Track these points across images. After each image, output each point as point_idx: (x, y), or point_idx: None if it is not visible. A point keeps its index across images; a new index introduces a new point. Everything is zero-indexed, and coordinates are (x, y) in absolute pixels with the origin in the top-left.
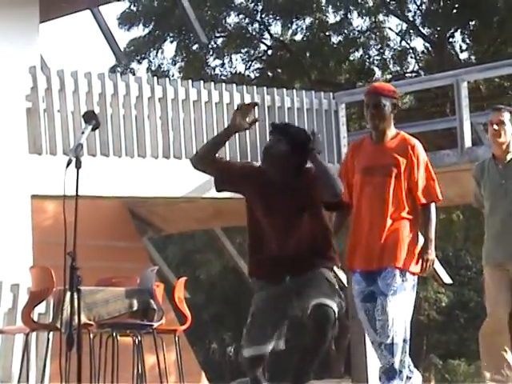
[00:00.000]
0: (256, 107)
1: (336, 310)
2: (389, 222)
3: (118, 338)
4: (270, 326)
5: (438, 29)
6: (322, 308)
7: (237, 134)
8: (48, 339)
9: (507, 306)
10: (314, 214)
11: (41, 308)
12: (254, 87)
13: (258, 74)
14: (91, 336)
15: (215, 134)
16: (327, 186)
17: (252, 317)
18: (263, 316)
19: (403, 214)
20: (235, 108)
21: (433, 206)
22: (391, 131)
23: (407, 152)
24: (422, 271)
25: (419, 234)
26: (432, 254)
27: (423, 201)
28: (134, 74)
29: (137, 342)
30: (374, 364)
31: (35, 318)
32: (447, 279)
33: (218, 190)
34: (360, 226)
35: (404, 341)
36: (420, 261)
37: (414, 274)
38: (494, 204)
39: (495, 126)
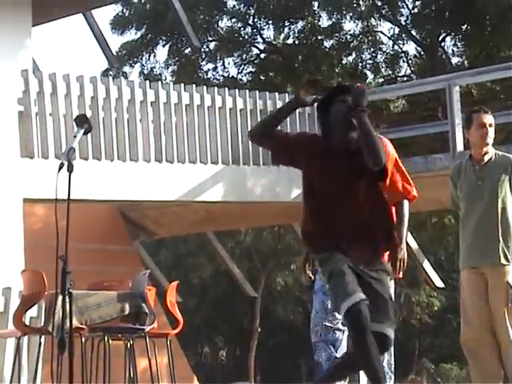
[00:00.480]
0: (318, 84)
1: (393, 335)
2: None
3: (110, 341)
4: (353, 280)
5: (430, 33)
6: (384, 339)
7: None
8: (40, 343)
9: (483, 313)
10: (371, 183)
11: (32, 312)
12: (247, 91)
13: (250, 78)
14: (83, 340)
15: (208, 137)
16: (368, 152)
17: (331, 277)
18: (343, 273)
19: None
20: (302, 84)
21: (406, 203)
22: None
23: None
24: (395, 271)
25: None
26: (403, 253)
27: (398, 198)
28: (126, 78)
29: (129, 345)
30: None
31: (27, 322)
32: (439, 283)
33: (274, 163)
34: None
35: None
36: (392, 261)
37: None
38: (470, 205)
39: (489, 128)
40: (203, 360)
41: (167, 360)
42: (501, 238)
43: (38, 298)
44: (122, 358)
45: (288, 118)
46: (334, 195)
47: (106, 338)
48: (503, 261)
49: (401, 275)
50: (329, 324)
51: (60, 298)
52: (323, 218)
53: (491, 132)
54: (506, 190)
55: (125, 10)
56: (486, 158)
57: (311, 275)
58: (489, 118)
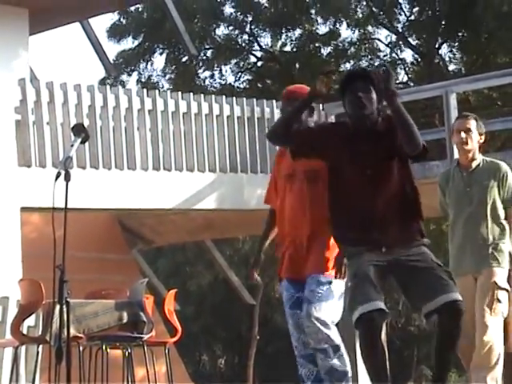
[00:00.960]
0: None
1: (459, 296)
2: (311, 229)
3: (108, 350)
4: (374, 286)
5: (427, 40)
6: (455, 305)
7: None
8: (37, 352)
9: (471, 320)
10: (402, 166)
11: (30, 321)
12: (244, 99)
13: (247, 86)
14: (81, 349)
15: (205, 145)
16: (407, 140)
17: (354, 278)
18: (366, 276)
19: (325, 218)
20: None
21: None
22: None
23: None
24: (337, 275)
25: None
26: (344, 260)
27: None
28: (123, 86)
29: (127, 354)
30: (364, 373)
31: (24, 331)
32: None
33: (295, 159)
34: (287, 235)
35: (337, 346)
36: (336, 265)
37: (340, 280)
38: (459, 212)
39: (463, 134)
40: (202, 368)
41: (165, 368)
42: (491, 245)
43: (36, 307)
44: (120, 366)
45: None
46: (364, 180)
47: (103, 347)
48: (493, 263)
49: (344, 278)
50: (306, 339)
51: (57, 307)
52: (353, 208)
53: (472, 137)
54: (494, 196)
55: (122, 19)
56: (474, 165)
57: (258, 280)
58: (466, 123)
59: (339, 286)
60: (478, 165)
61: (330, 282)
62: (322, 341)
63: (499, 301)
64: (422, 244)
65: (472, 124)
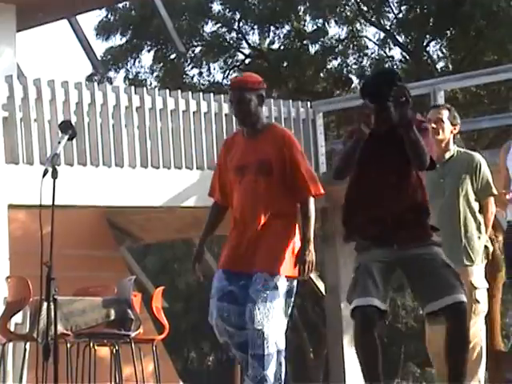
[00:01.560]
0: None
1: (464, 298)
2: (261, 223)
3: (96, 347)
4: (375, 283)
5: (415, 38)
6: (459, 307)
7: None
8: (25, 349)
9: None
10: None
11: (17, 318)
12: None
13: None
14: (68, 346)
15: (193, 143)
16: (414, 159)
17: (356, 271)
18: (369, 272)
19: (279, 213)
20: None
21: (311, 201)
22: (262, 124)
23: (280, 145)
24: (300, 274)
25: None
26: (310, 255)
27: (301, 196)
28: (111, 83)
29: (114, 351)
30: (352, 371)
31: (12, 328)
32: None
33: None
34: (235, 227)
35: (278, 352)
36: (298, 264)
37: (290, 278)
38: (432, 204)
39: (433, 125)
40: (190, 365)
41: (153, 365)
42: (463, 238)
43: (23, 304)
44: (107, 363)
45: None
46: (384, 180)
47: (91, 344)
48: (466, 261)
49: (305, 277)
50: (230, 330)
51: (45, 304)
52: (370, 204)
53: (444, 127)
54: (467, 188)
55: (110, 16)
56: (448, 155)
57: (201, 276)
58: (438, 114)
59: (287, 284)
60: (452, 155)
61: (278, 281)
62: (259, 347)
63: (477, 301)
64: (433, 243)
65: (444, 114)
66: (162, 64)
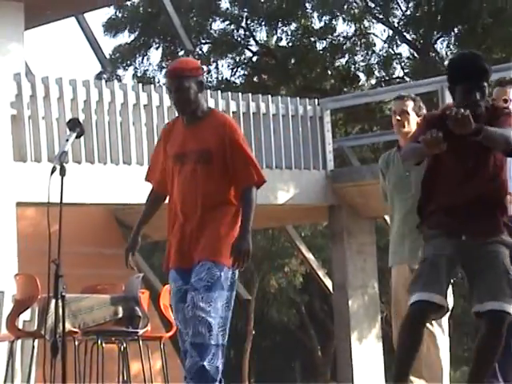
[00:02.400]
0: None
1: (511, 309)
2: (203, 213)
3: (104, 345)
4: (439, 278)
5: (423, 35)
6: (500, 315)
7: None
8: (33, 347)
9: None
10: (498, 158)
11: (26, 315)
12: (240, 94)
13: (243, 81)
14: (76, 343)
15: None
16: (497, 148)
17: (422, 264)
18: (435, 266)
19: (221, 202)
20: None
21: (253, 189)
22: (202, 111)
23: (221, 132)
24: (235, 264)
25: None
26: (246, 244)
27: (242, 184)
28: (119, 81)
29: (122, 349)
30: (359, 368)
31: (20, 326)
32: None
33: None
34: (175, 219)
35: (221, 345)
36: (232, 253)
37: (232, 269)
38: (398, 198)
39: (398, 117)
40: None
41: (161, 363)
42: None
43: (31, 301)
44: (115, 361)
45: (281, 124)
46: (462, 169)
47: (99, 342)
48: None
49: (241, 268)
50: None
51: (53, 301)
52: (445, 193)
53: (409, 119)
54: None
55: (118, 13)
56: None
57: (133, 266)
58: (402, 105)
59: (230, 275)
60: None
61: (221, 271)
62: (200, 335)
63: None
64: (501, 242)
65: (408, 105)
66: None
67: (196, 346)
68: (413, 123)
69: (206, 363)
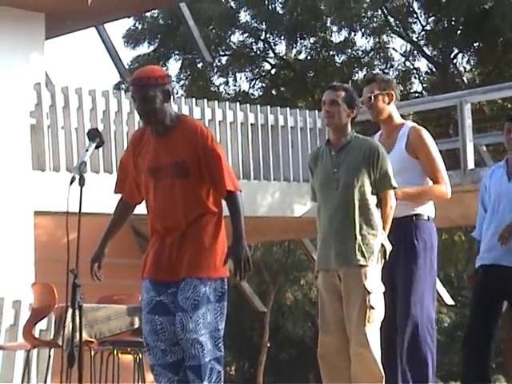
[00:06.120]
0: None
1: None
2: (183, 227)
3: (119, 355)
4: None
5: (442, 50)
6: None
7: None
8: (49, 356)
9: (340, 321)
10: None
11: (42, 325)
12: (258, 106)
13: (261, 93)
14: (92, 353)
15: None
16: None
17: None
18: None
19: (203, 214)
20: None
21: (238, 195)
22: (170, 120)
23: (194, 141)
24: (237, 275)
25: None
26: (245, 251)
27: (225, 192)
28: None
29: (138, 359)
30: None
31: (36, 335)
32: (449, 300)
33: None
34: (154, 231)
35: (216, 359)
36: (234, 263)
37: (222, 279)
38: (325, 196)
39: (326, 107)
40: None
41: None
42: (358, 235)
43: (48, 311)
44: (130, 371)
45: (299, 136)
46: None
47: (115, 352)
48: (361, 261)
49: (244, 279)
50: (164, 347)
51: (70, 311)
52: None
53: (339, 111)
54: (363, 179)
55: (138, 24)
56: (343, 142)
57: (99, 277)
58: (332, 95)
59: (219, 286)
60: (349, 142)
61: (206, 286)
62: (194, 358)
63: (372, 307)
64: None
65: (340, 95)
66: (188, 73)
67: (192, 368)
68: (343, 115)
69: (205, 383)
